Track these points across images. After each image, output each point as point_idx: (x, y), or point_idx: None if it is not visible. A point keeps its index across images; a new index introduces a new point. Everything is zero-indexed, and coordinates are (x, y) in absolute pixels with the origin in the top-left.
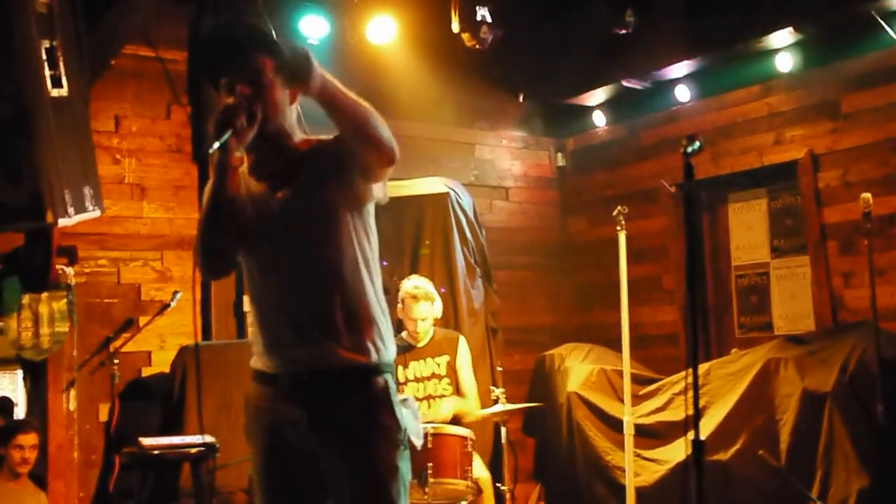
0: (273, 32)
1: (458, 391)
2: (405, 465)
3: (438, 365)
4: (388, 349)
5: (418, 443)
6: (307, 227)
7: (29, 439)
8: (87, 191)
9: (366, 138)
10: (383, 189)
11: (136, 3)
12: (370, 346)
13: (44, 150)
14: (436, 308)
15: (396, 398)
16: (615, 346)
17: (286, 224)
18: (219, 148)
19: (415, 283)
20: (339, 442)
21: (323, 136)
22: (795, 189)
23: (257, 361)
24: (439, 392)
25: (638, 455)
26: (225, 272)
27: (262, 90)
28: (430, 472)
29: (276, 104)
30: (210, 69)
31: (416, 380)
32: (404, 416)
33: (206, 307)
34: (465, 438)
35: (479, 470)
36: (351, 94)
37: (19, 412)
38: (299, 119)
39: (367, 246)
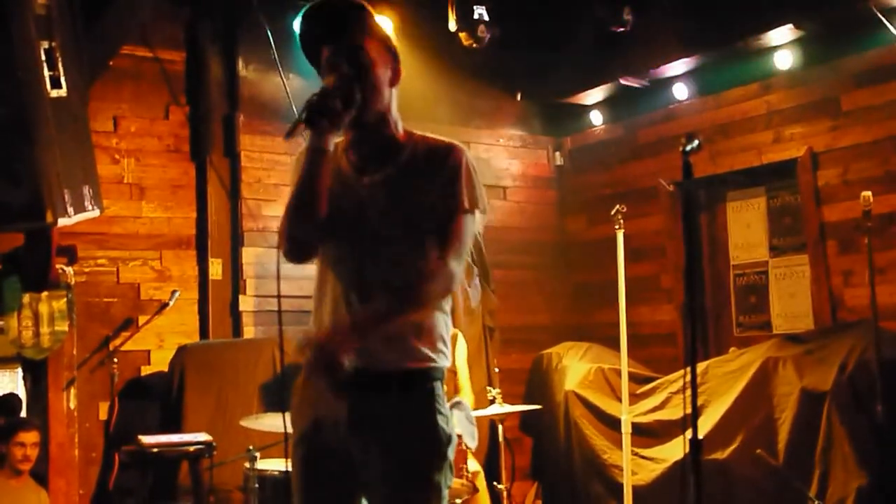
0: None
1: (454, 389)
2: (443, 477)
3: None
4: (442, 357)
5: (473, 445)
6: (387, 222)
7: (31, 437)
8: (87, 191)
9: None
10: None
11: (133, 5)
12: (425, 351)
13: (43, 150)
14: None
15: (443, 406)
16: (613, 344)
17: (368, 211)
18: (313, 131)
19: None
20: (375, 445)
21: (431, 138)
22: (794, 187)
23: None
24: (457, 398)
25: (635, 454)
26: (309, 257)
27: (363, 71)
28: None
29: (376, 87)
30: (311, 44)
31: None
32: (454, 420)
33: (203, 307)
34: (459, 437)
35: (472, 465)
36: (406, 310)
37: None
38: None
39: None
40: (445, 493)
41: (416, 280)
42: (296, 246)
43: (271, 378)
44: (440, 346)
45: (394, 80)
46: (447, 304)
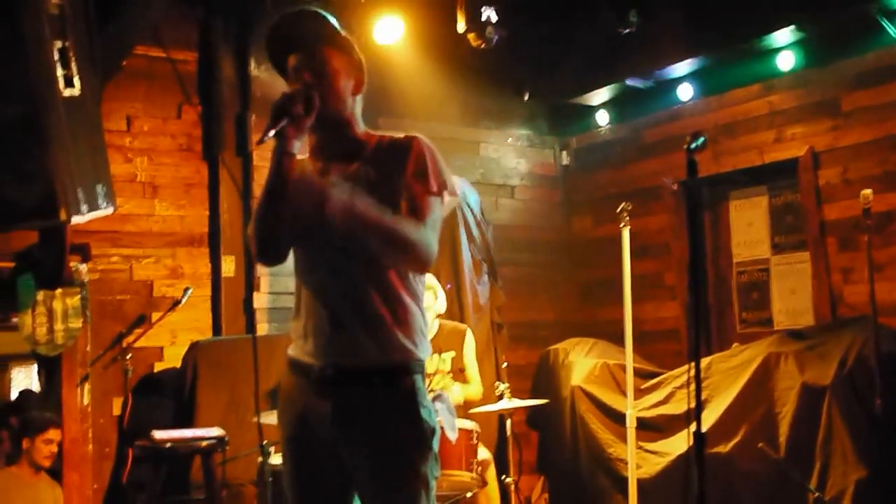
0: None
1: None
2: (429, 468)
3: (444, 361)
4: (420, 349)
5: (453, 436)
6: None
7: (59, 435)
8: (100, 189)
9: (396, 255)
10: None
11: (146, 5)
12: (403, 343)
13: (56, 149)
14: (439, 303)
15: (425, 399)
16: (618, 340)
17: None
18: (276, 136)
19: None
20: (361, 441)
21: (390, 134)
22: (796, 186)
23: (293, 349)
24: (438, 391)
25: (640, 447)
26: (280, 258)
27: (325, 79)
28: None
29: (338, 93)
30: (276, 55)
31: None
32: (436, 412)
33: (216, 303)
34: (470, 431)
35: (483, 453)
36: (374, 216)
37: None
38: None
39: None
40: (433, 483)
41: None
42: (265, 247)
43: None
44: (418, 338)
45: (357, 89)
46: (423, 300)
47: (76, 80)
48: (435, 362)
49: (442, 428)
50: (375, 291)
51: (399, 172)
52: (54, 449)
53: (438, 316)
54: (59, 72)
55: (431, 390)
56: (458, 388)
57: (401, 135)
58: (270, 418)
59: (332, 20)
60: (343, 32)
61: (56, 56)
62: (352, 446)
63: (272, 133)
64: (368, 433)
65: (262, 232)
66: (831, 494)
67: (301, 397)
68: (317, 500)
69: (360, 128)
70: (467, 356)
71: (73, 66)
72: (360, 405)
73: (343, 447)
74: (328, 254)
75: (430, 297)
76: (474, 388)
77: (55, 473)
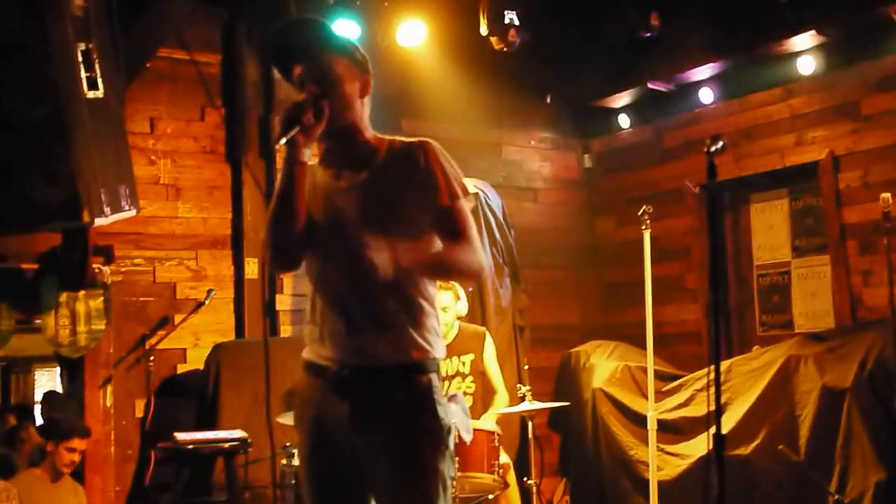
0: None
1: (484, 388)
2: (446, 466)
3: (463, 363)
4: (435, 348)
5: (468, 437)
6: (367, 221)
7: (83, 444)
8: (123, 191)
9: (457, 280)
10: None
11: (170, 7)
12: (417, 343)
13: (80, 150)
14: (460, 304)
15: (441, 397)
16: (639, 343)
17: (350, 217)
18: (286, 144)
19: None
20: (379, 440)
21: (400, 139)
22: (816, 189)
23: (308, 352)
24: (462, 391)
25: (661, 450)
26: (293, 266)
27: (331, 86)
28: (457, 466)
29: (344, 99)
30: (281, 66)
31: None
32: (451, 412)
33: (239, 306)
34: (492, 433)
35: (502, 458)
36: (426, 260)
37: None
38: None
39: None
40: (449, 481)
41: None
42: (277, 255)
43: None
44: (432, 337)
45: (363, 92)
46: (436, 300)
47: (100, 82)
48: (454, 365)
49: (457, 431)
50: (388, 294)
51: (414, 182)
52: (76, 458)
53: (459, 318)
54: (83, 74)
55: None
56: (489, 412)
57: (410, 140)
58: (289, 419)
59: (329, 26)
60: (343, 36)
61: (80, 58)
62: (368, 446)
63: (283, 141)
64: (385, 432)
65: (274, 240)
66: (851, 497)
67: (317, 399)
68: (333, 500)
69: (370, 132)
70: (488, 361)
71: (97, 67)
72: (376, 405)
73: (360, 447)
74: (342, 258)
75: (451, 297)
76: (502, 398)
77: (78, 475)
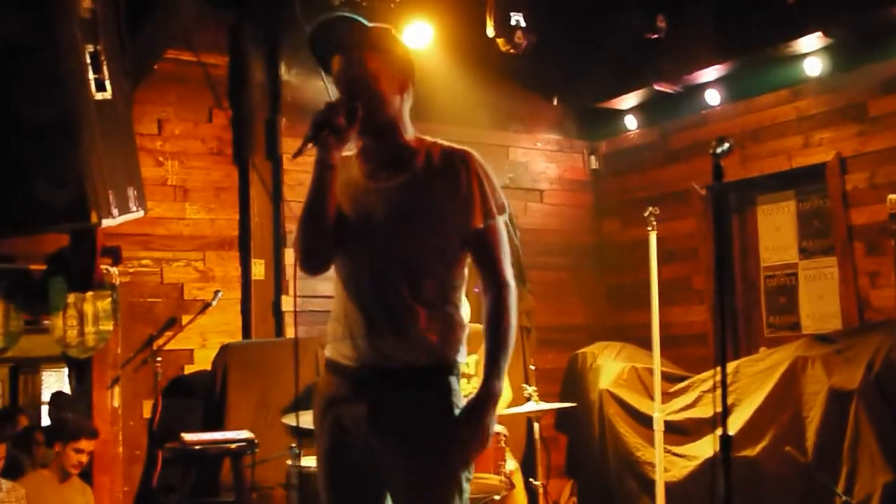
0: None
1: None
2: (463, 472)
3: (467, 364)
4: (455, 351)
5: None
6: (399, 225)
7: (91, 445)
8: (131, 192)
9: None
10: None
11: (177, 9)
12: (437, 346)
13: (88, 152)
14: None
15: (459, 400)
16: (646, 344)
17: (382, 219)
18: (317, 146)
19: None
20: (396, 440)
21: (441, 143)
22: (823, 191)
23: (330, 349)
24: (468, 392)
25: (668, 451)
26: (325, 267)
27: (366, 85)
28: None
29: (381, 97)
30: (320, 61)
31: None
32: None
33: (246, 306)
34: (497, 434)
35: (510, 464)
36: (507, 354)
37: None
38: None
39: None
40: (466, 485)
41: (497, 315)
42: (309, 258)
43: (314, 377)
44: (453, 341)
45: (403, 88)
46: (463, 302)
47: (108, 84)
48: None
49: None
50: (413, 296)
51: (450, 194)
52: (83, 459)
53: None
54: (91, 75)
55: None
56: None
57: (452, 146)
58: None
59: (366, 23)
60: (381, 31)
61: (88, 60)
62: (385, 446)
63: (309, 146)
64: (401, 433)
65: (305, 243)
66: (859, 498)
67: (336, 396)
68: (349, 498)
69: (410, 132)
70: None
71: (105, 69)
72: (393, 405)
73: (376, 446)
74: (370, 259)
75: None
76: (504, 395)
77: (86, 476)
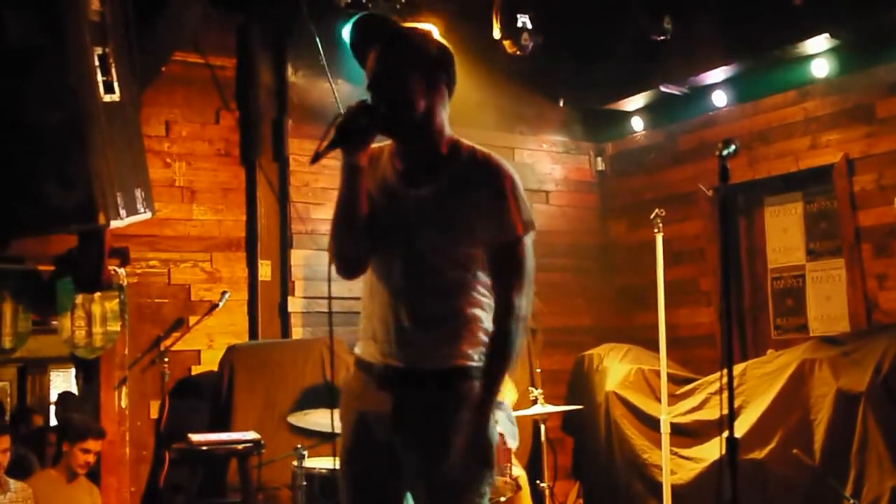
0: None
1: None
2: (485, 473)
3: None
4: (478, 355)
5: (514, 445)
6: (431, 232)
7: (98, 446)
8: (139, 193)
9: None
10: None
11: (185, 12)
12: (463, 350)
13: (96, 154)
14: None
15: None
16: (653, 346)
17: (413, 223)
18: (344, 150)
19: None
20: (417, 441)
21: (474, 149)
22: (831, 193)
23: (359, 347)
24: (498, 399)
25: (674, 453)
26: (362, 270)
27: (391, 83)
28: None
29: (406, 97)
30: (358, 52)
31: None
32: (496, 421)
33: (252, 307)
34: (503, 436)
35: (515, 471)
36: (506, 365)
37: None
38: None
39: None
40: (487, 489)
41: (500, 337)
42: (344, 263)
43: (320, 378)
44: (479, 345)
45: (435, 89)
46: (490, 307)
47: (116, 86)
48: None
49: (502, 436)
50: (441, 302)
51: (483, 206)
52: (91, 459)
53: None
54: (100, 78)
55: None
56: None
57: (489, 156)
58: (303, 420)
59: (397, 24)
60: (412, 31)
61: (96, 62)
62: (407, 444)
63: (330, 148)
64: (424, 435)
65: (340, 249)
66: (867, 501)
67: (362, 393)
68: (369, 496)
69: (446, 134)
70: None
71: (114, 72)
72: (415, 404)
73: (398, 444)
74: (400, 263)
75: None
76: (509, 395)
77: (93, 476)
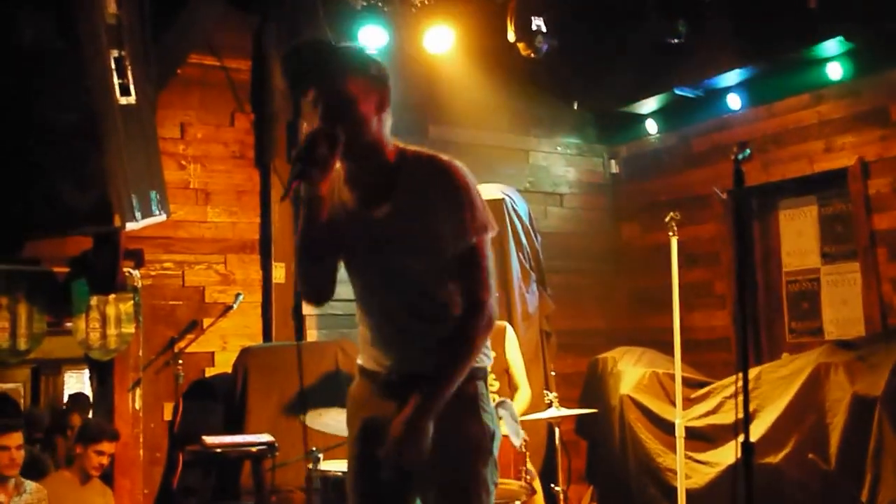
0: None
1: (509, 386)
2: (490, 473)
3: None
4: (484, 357)
5: (517, 442)
6: (399, 249)
7: (113, 448)
8: (154, 196)
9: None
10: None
11: (200, 14)
12: None
13: (112, 156)
14: None
15: (486, 404)
16: (667, 349)
17: (382, 245)
18: (305, 182)
19: None
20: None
21: (420, 152)
22: (846, 196)
23: (361, 356)
24: (502, 398)
25: (689, 457)
26: (327, 298)
27: (345, 110)
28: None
29: (361, 121)
30: (295, 90)
31: None
32: (499, 419)
33: (266, 310)
34: (505, 436)
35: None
36: (457, 371)
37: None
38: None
39: None
40: (493, 487)
41: (460, 333)
42: (313, 295)
43: (333, 380)
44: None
45: (382, 107)
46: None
47: (132, 89)
48: None
49: (506, 435)
50: (426, 311)
51: (442, 210)
52: (104, 461)
53: None
54: (116, 80)
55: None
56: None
57: (436, 157)
58: (317, 422)
59: (339, 46)
60: (354, 52)
61: (113, 65)
62: None
63: (295, 184)
64: (432, 436)
65: (307, 281)
66: None
67: (367, 401)
68: (377, 499)
69: (391, 146)
70: (511, 355)
71: (130, 74)
72: None
73: None
74: (378, 282)
75: None
76: (524, 396)
77: (106, 478)
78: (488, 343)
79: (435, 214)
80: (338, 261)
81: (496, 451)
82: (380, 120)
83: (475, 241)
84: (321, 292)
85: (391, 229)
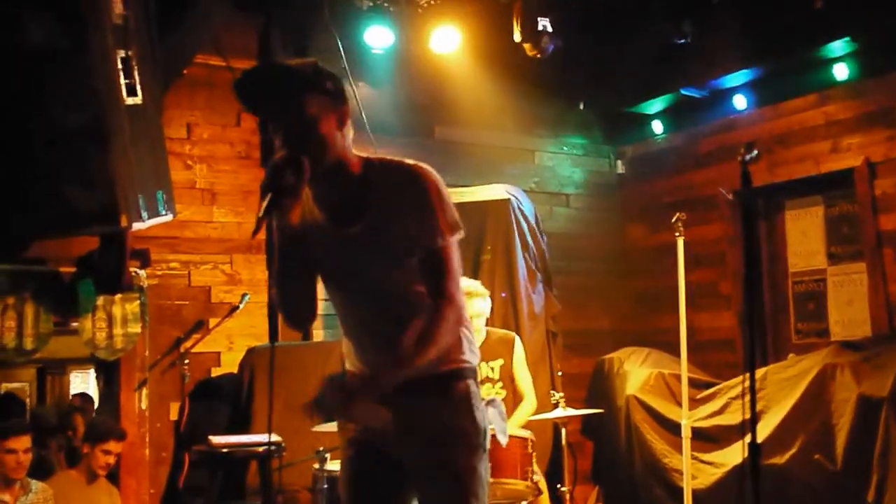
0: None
1: (514, 394)
2: (484, 468)
3: (492, 369)
4: (469, 355)
5: (503, 440)
6: (375, 262)
7: (120, 447)
8: (160, 196)
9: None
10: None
11: (207, 14)
12: (450, 355)
13: (118, 156)
14: (483, 304)
15: (478, 402)
16: (673, 350)
17: (358, 260)
18: (275, 212)
19: (465, 283)
20: (420, 445)
21: (387, 160)
22: (852, 196)
23: (349, 365)
24: (492, 396)
25: (695, 458)
26: (313, 318)
27: (306, 133)
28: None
29: (324, 141)
30: (254, 115)
31: None
32: (488, 416)
33: (272, 310)
34: (525, 440)
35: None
36: (429, 347)
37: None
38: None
39: None
40: (486, 481)
41: (430, 321)
42: (294, 321)
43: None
44: (465, 347)
45: (342, 122)
46: (467, 309)
47: (138, 89)
48: (483, 371)
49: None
50: (407, 317)
51: (411, 216)
52: (111, 460)
53: (487, 321)
54: (122, 80)
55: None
56: (512, 420)
57: (403, 165)
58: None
59: (292, 67)
60: (308, 70)
61: (119, 65)
62: (409, 451)
63: (266, 214)
64: (425, 436)
65: (287, 308)
66: None
67: (362, 407)
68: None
69: (354, 159)
70: (517, 365)
71: (136, 74)
72: (415, 411)
73: (402, 451)
74: (356, 297)
75: (481, 300)
76: (528, 405)
77: (113, 477)
78: (474, 341)
79: (407, 220)
80: (316, 280)
81: (488, 446)
82: (343, 135)
83: (447, 241)
84: (305, 315)
85: (366, 244)
